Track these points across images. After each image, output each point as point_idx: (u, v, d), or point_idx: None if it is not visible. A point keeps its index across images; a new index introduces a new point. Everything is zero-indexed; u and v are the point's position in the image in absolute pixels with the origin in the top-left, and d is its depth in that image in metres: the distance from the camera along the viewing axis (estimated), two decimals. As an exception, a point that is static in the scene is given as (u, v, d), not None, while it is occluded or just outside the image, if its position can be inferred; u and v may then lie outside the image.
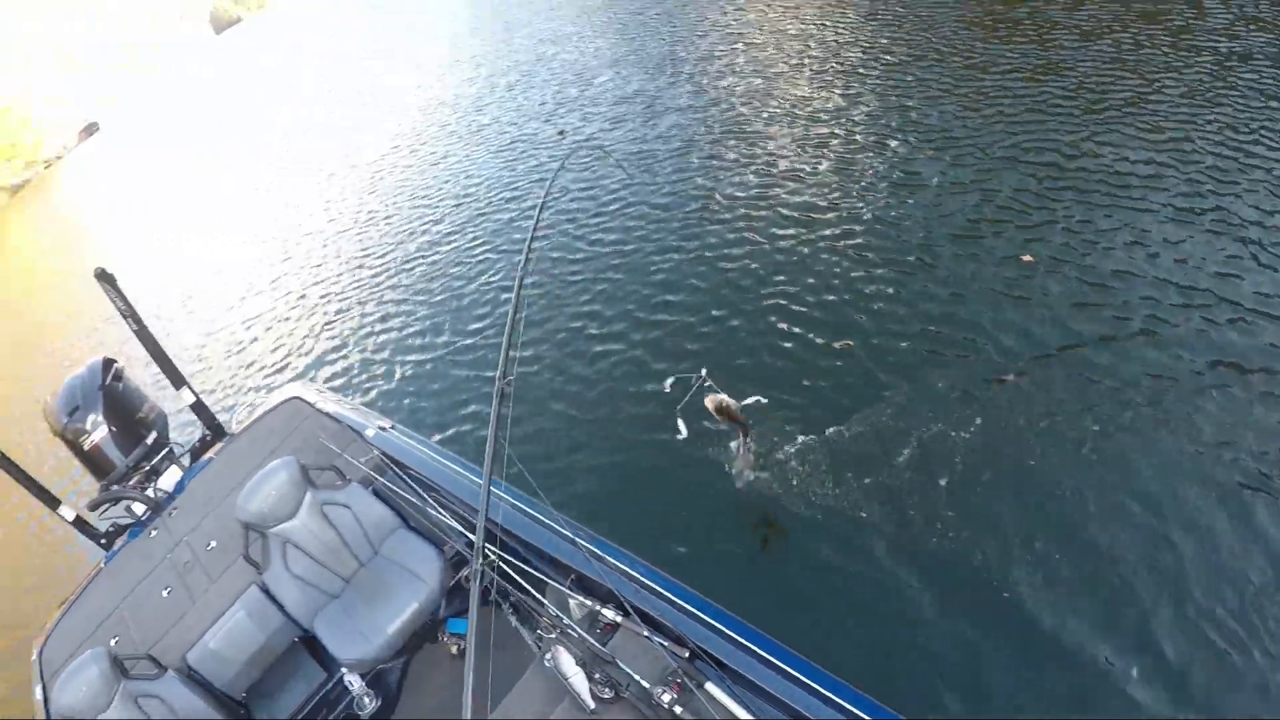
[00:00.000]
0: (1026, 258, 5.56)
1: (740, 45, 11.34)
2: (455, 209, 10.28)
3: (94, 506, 4.31)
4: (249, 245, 13.79)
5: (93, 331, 14.37)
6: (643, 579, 2.67)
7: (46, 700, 3.61)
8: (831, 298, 5.79)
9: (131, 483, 4.35)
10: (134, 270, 15.23)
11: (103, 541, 4.48)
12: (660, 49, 12.69)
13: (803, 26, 10.93)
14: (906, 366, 5.03)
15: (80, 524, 4.43)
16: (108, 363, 4.39)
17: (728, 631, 2.41)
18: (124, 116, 73.05)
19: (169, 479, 4.52)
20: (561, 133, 11.07)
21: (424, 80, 17.97)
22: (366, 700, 3.50)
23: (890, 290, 5.67)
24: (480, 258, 8.65)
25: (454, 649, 3.53)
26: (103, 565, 4.33)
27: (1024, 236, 5.78)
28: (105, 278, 4.19)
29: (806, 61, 9.84)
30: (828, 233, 6.48)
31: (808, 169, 7.45)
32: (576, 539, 2.84)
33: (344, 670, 3.49)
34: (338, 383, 7.60)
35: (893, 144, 7.37)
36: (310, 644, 3.82)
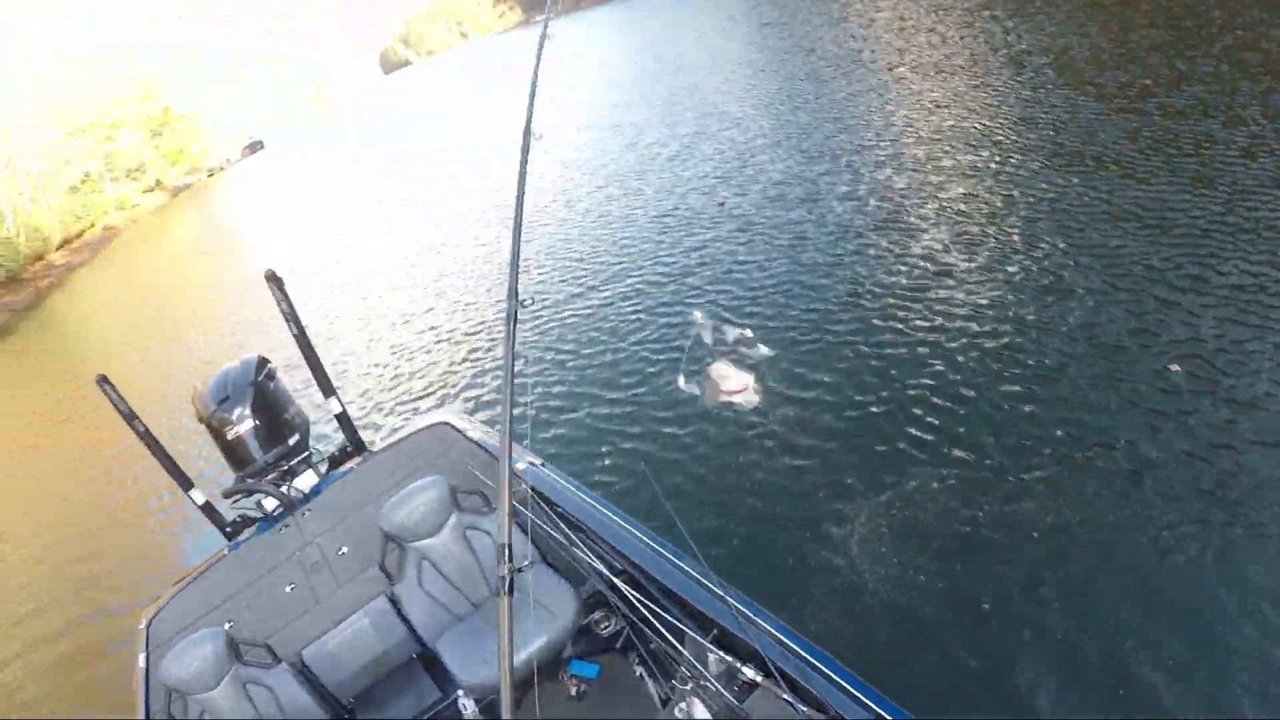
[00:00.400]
0: (1174, 367, 5.55)
1: (901, 140, 11.48)
2: (614, 266, 10.61)
3: (228, 494, 4.44)
4: (402, 275, 14.43)
5: (239, 330, 15.51)
6: (787, 641, 2.62)
7: (149, 669, 3.76)
8: (971, 394, 5.82)
9: (268, 479, 4.45)
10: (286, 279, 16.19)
11: (227, 530, 4.60)
12: (823, 135, 12.90)
13: (961, 126, 11.11)
14: (1042, 467, 5.02)
15: (208, 510, 4.56)
16: (262, 361, 4.56)
17: (868, 702, 2.38)
18: (290, 139, 78.05)
19: (304, 481, 4.60)
20: (721, 203, 11.35)
21: (583, 141, 18.60)
22: None
23: (1032, 392, 5.70)
24: (634, 319, 8.90)
25: (574, 689, 3.41)
26: (225, 552, 4.44)
27: (1171, 350, 5.71)
28: (274, 280, 4.33)
29: (964, 161, 9.95)
30: (975, 329, 6.53)
31: (959, 266, 7.52)
32: (725, 595, 2.77)
33: (460, 693, 3.44)
34: (481, 416, 7.63)
35: (1044, 248, 7.35)
36: (428, 662, 3.82)
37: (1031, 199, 8.46)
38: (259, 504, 4.53)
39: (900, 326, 6.95)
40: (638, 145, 16.33)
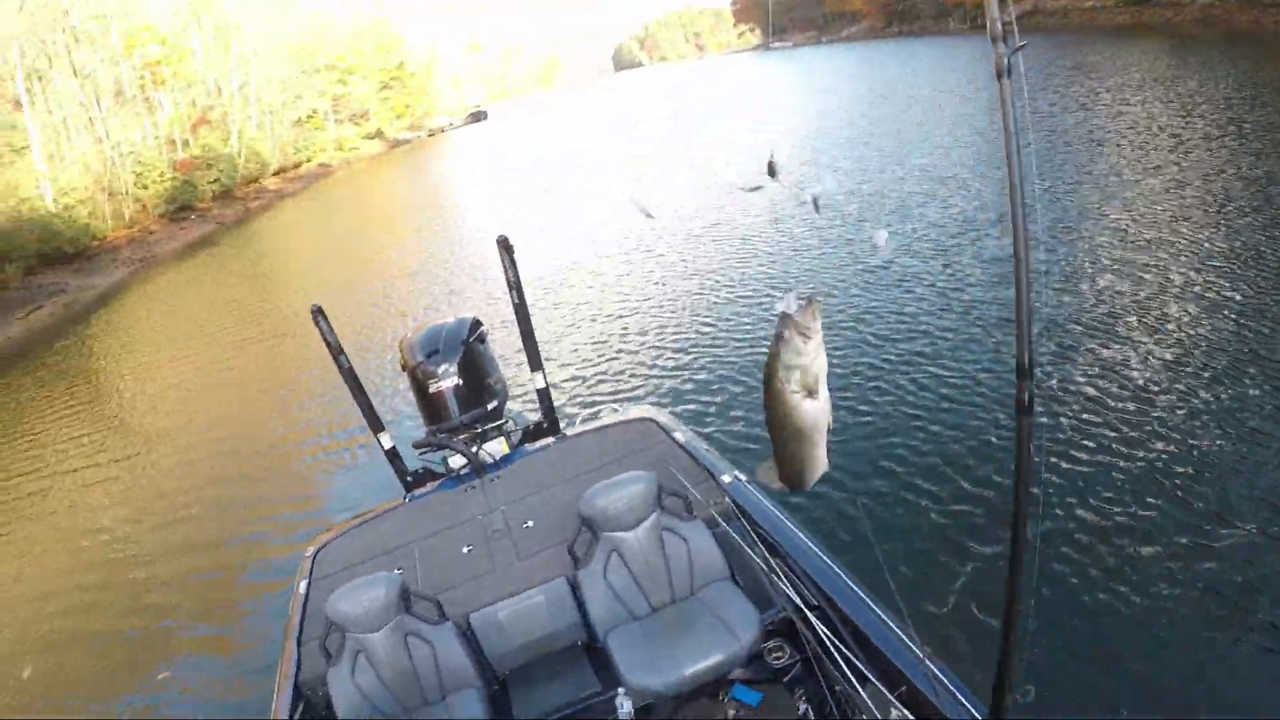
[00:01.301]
0: None
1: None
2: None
3: (419, 445, 4.45)
4: (618, 264, 14.41)
5: (442, 288, 15.90)
6: (975, 714, 2.42)
7: (308, 595, 3.87)
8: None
9: (461, 438, 4.44)
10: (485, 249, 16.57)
11: (409, 480, 4.65)
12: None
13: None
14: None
15: (393, 456, 4.61)
16: (476, 322, 4.56)
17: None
18: (513, 113, 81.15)
19: (494, 448, 4.58)
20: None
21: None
22: None
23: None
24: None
25: (732, 713, 3.26)
26: (404, 501, 4.50)
27: None
28: (505, 246, 4.37)
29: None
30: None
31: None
32: (920, 653, 2.61)
33: (620, 691, 3.28)
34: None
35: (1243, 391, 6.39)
36: (593, 653, 3.69)
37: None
38: (445, 461, 4.57)
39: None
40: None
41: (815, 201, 1.91)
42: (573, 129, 46.62)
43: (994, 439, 6.30)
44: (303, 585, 3.97)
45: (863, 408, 7.21)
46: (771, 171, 1.83)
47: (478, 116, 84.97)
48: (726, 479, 4.00)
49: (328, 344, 4.30)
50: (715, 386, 8.41)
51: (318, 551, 4.20)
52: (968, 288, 9.63)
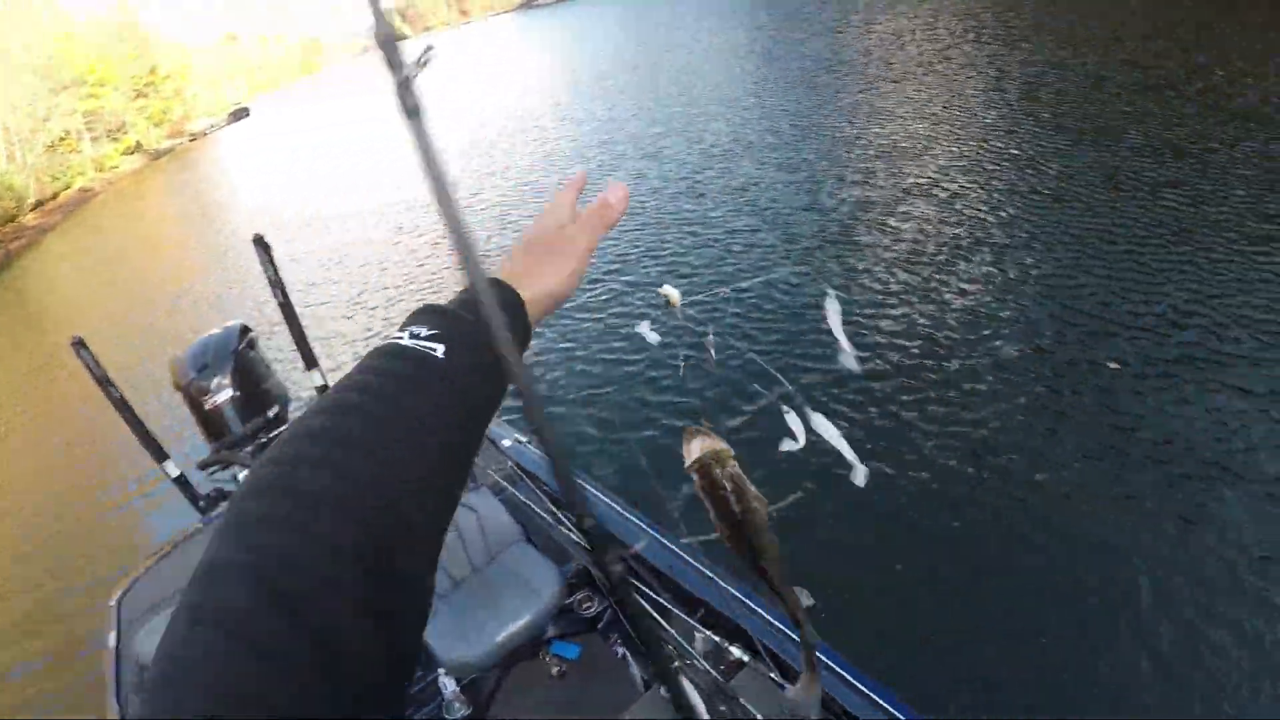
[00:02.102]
0: (1113, 365, 5.59)
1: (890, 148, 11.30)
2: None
3: (204, 466, 4.22)
4: (383, 251, 14.14)
5: (215, 296, 15.05)
6: (774, 622, 2.59)
7: (119, 647, 3.66)
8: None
9: (246, 451, 4.24)
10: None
11: (201, 504, 4.46)
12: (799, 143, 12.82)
13: (938, 142, 10.93)
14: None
15: (182, 483, 4.42)
16: (244, 329, 4.36)
17: (854, 681, 2.38)
18: (276, 106, 77.33)
19: None
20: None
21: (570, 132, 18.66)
22: (457, 705, 3.32)
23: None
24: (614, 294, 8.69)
25: (555, 670, 3.35)
26: (200, 526, 4.32)
27: (1109, 341, 5.79)
28: (261, 244, 4.21)
29: (927, 176, 9.75)
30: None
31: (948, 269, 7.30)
32: (713, 576, 2.78)
33: (440, 671, 3.31)
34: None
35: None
36: None
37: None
38: (235, 478, 4.36)
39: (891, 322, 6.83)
40: (616, 139, 16.11)
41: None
42: (334, 117, 44.57)
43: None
44: (111, 638, 3.69)
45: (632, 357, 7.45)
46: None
47: (239, 114, 79.83)
48: (506, 443, 4.07)
49: (94, 375, 3.99)
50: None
51: (122, 598, 3.93)
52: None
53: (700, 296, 6.41)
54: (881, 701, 2.34)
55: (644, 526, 3.21)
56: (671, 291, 1.12)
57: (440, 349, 0.68)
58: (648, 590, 2.78)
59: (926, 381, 5.86)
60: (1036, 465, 4.92)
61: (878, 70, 15.64)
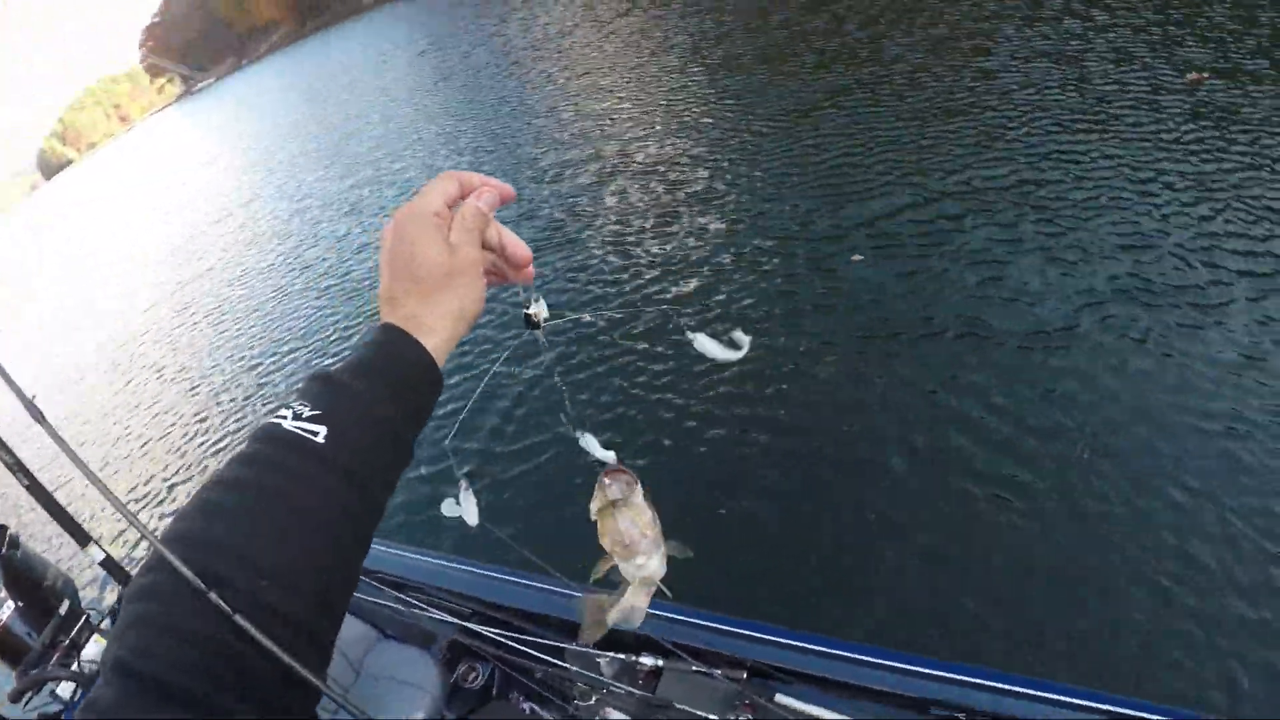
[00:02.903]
0: (856, 257, 6.25)
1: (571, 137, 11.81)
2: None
3: (16, 697, 3.82)
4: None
5: None
6: (673, 615, 2.58)
7: None
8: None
9: (52, 662, 4.18)
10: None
11: None
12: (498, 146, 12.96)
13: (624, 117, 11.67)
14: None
15: None
16: (1, 529, 4.11)
17: (775, 639, 2.38)
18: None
19: (93, 649, 4.09)
20: None
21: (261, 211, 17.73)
22: None
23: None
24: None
25: None
26: None
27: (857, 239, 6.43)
28: None
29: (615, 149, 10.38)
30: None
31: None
32: (583, 593, 2.60)
33: None
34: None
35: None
36: None
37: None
38: (53, 694, 3.82)
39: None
40: (308, 205, 15.49)
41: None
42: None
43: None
44: None
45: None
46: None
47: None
48: None
49: None
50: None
51: None
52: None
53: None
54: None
55: (502, 577, 3.12)
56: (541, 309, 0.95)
57: (322, 431, 0.64)
58: (532, 638, 2.68)
59: (668, 356, 6.06)
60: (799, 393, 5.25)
61: (550, 64, 16.05)
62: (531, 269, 0.86)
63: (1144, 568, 3.51)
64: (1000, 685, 2.25)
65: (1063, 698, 2.21)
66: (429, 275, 0.74)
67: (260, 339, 10.05)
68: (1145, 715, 2.14)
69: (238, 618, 0.53)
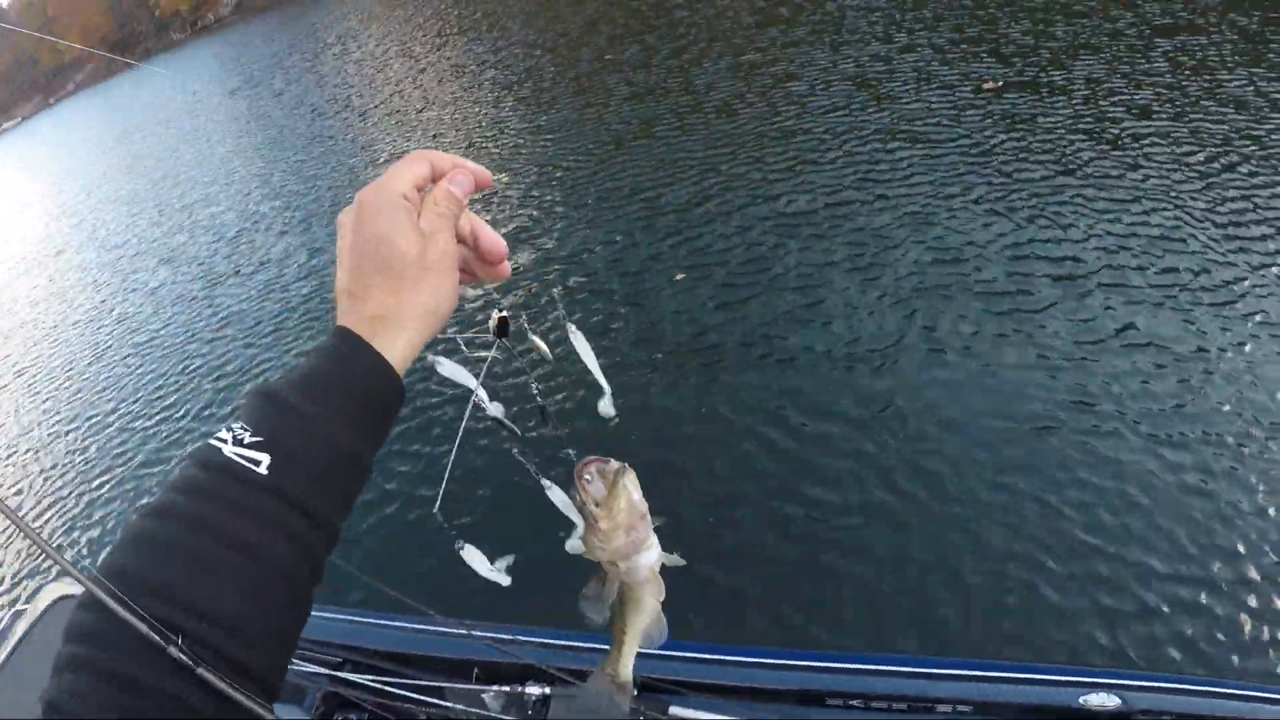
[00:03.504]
0: (679, 275, 6.69)
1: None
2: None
3: None
4: None
5: None
6: (555, 642, 2.57)
7: None
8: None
9: None
10: None
11: None
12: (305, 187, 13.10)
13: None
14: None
15: None
16: None
17: (661, 653, 2.33)
18: None
19: None
20: (237, 273, 10.91)
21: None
22: None
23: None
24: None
25: None
26: None
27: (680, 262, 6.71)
28: None
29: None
30: None
31: None
32: (467, 630, 2.64)
33: None
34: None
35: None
36: None
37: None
38: None
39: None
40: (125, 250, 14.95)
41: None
42: None
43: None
44: None
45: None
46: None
47: None
48: None
49: None
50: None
51: None
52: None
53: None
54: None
55: (369, 620, 2.97)
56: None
57: (265, 460, 0.60)
58: (411, 680, 2.57)
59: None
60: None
61: (365, 100, 16.19)
62: (507, 266, 0.81)
63: (966, 550, 3.93)
64: (889, 668, 2.37)
65: (953, 671, 2.33)
66: (398, 266, 0.69)
67: (76, 400, 9.61)
68: (1030, 677, 2.31)
69: (202, 671, 0.53)
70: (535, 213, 8.78)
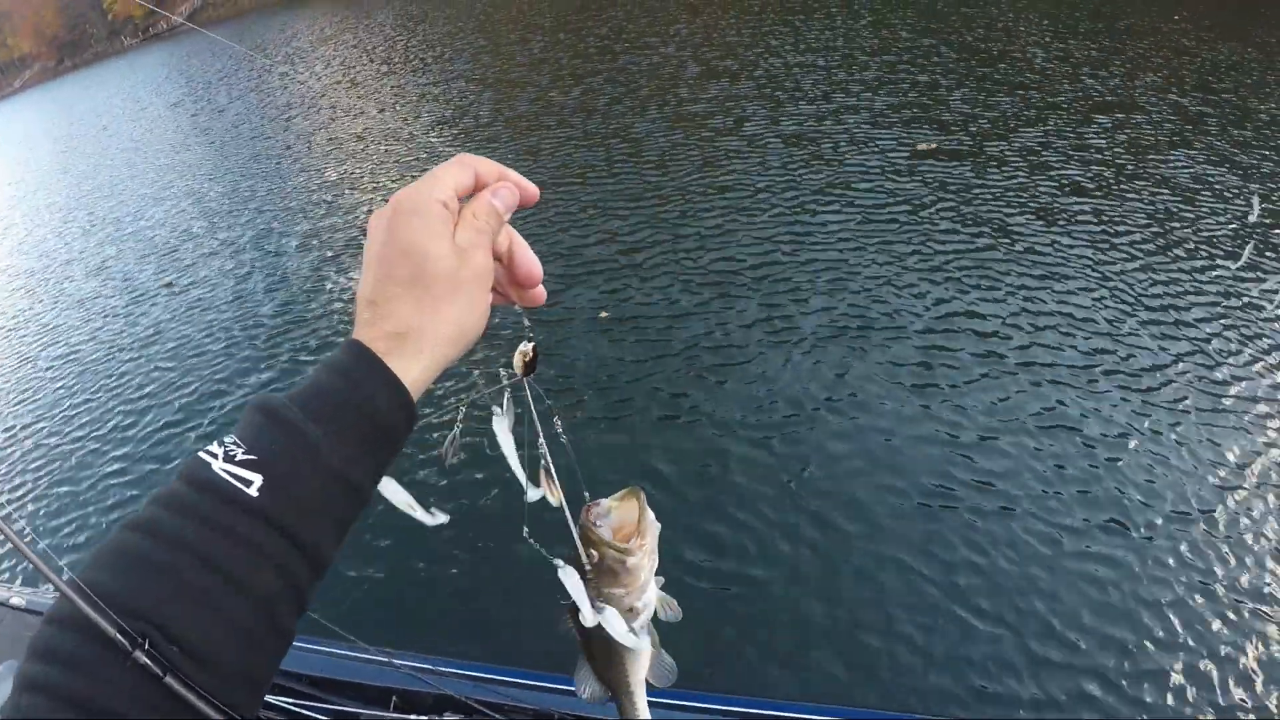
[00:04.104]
0: (603, 314, 6.79)
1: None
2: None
3: None
4: None
5: None
6: (476, 674, 2.52)
7: None
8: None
9: None
10: None
11: None
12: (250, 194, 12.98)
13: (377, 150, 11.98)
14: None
15: None
16: None
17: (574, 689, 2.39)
18: None
19: None
20: (169, 285, 10.76)
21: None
22: None
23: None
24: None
25: None
26: None
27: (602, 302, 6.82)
28: None
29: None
30: None
31: None
32: (389, 659, 2.56)
33: None
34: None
35: None
36: None
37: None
38: None
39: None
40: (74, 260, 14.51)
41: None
42: None
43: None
44: None
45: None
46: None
47: None
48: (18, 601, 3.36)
49: None
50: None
51: None
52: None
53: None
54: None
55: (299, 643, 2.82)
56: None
57: (256, 481, 0.56)
58: (323, 703, 2.50)
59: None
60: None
61: (306, 124, 16.34)
62: (542, 291, 0.75)
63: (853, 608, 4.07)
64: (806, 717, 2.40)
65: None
66: (428, 279, 0.64)
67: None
68: None
69: (167, 700, 0.50)
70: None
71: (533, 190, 0.72)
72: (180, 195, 14.64)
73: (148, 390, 8.13)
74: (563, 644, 0.76)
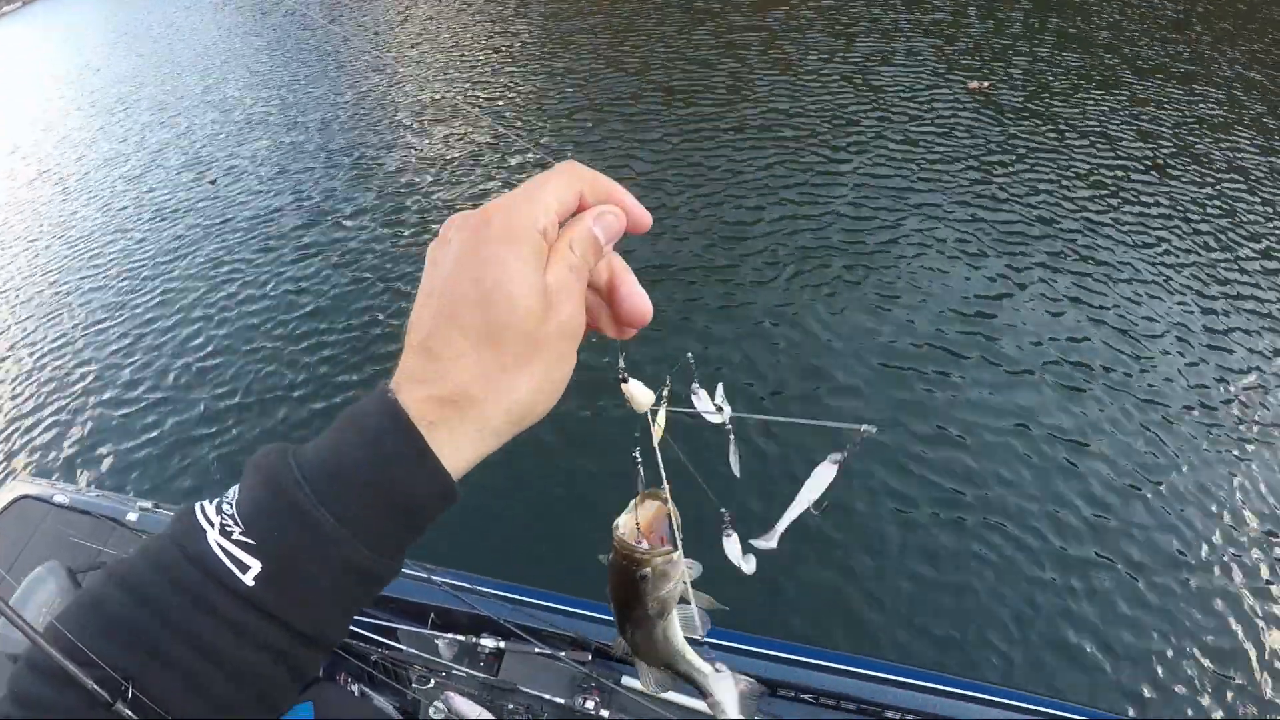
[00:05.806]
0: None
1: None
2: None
3: None
4: None
5: None
6: (514, 596, 2.51)
7: None
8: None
9: None
10: None
11: None
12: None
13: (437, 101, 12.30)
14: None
15: None
16: None
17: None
18: None
19: None
20: (213, 181, 10.70)
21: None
22: None
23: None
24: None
25: None
26: None
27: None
28: None
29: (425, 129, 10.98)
30: None
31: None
32: (429, 575, 2.51)
33: None
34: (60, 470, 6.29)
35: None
36: None
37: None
38: None
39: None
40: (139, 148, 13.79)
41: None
42: None
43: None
44: None
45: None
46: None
47: None
48: (133, 517, 3.47)
49: None
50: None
51: None
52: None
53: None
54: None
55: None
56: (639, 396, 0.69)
57: (254, 569, 0.48)
58: (360, 617, 2.43)
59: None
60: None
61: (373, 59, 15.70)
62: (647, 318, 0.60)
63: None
64: (838, 665, 2.44)
65: (907, 680, 2.40)
66: (502, 330, 0.51)
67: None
68: (977, 695, 2.36)
69: None
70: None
71: (645, 217, 0.58)
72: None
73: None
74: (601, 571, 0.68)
